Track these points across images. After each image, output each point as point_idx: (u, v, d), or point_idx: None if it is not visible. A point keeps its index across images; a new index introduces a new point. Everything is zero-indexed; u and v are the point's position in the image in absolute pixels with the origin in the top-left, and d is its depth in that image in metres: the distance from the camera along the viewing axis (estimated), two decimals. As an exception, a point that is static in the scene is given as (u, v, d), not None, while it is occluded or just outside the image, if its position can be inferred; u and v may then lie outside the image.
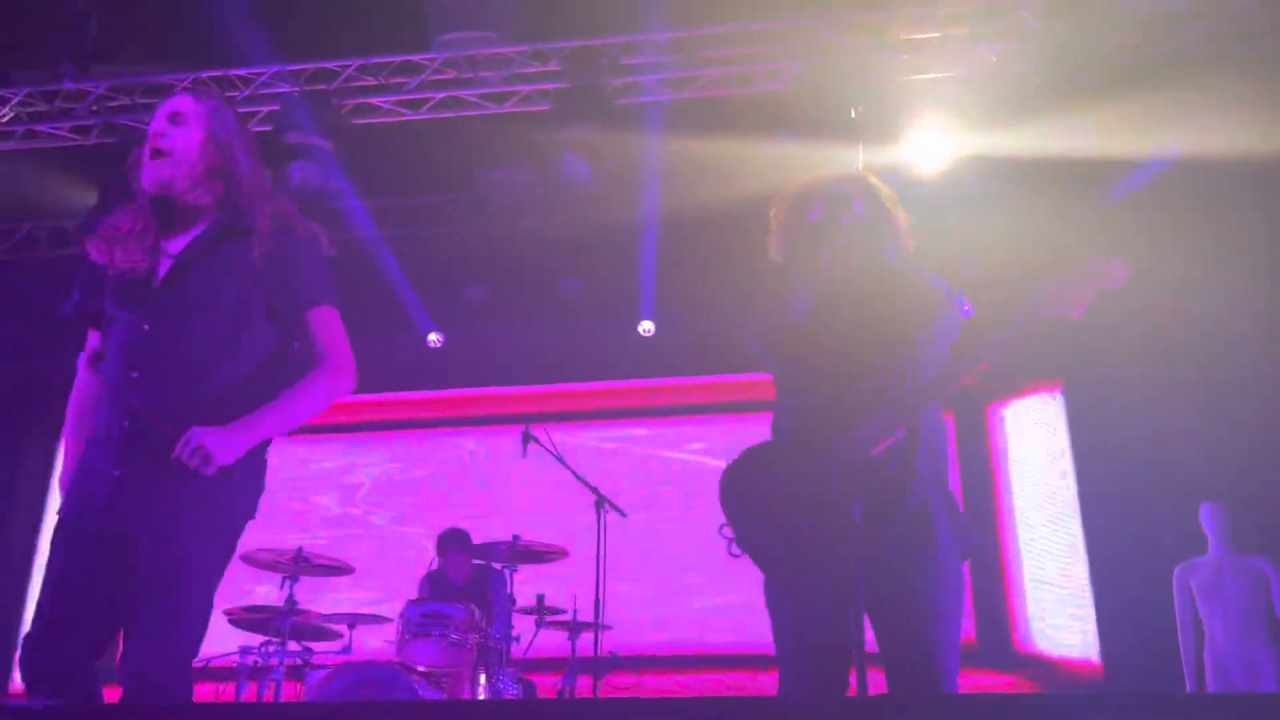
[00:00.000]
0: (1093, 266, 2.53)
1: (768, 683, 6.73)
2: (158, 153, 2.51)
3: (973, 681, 6.64)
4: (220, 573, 2.43)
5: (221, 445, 2.30)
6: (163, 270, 2.49)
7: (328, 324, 2.57)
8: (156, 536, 2.32)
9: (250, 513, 2.51)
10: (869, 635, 2.35)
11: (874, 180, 2.85)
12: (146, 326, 2.43)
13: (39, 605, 2.34)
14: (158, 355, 2.42)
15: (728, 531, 2.57)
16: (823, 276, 2.66)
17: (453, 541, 6.00)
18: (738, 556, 2.57)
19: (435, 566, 5.86)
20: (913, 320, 2.62)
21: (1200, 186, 6.12)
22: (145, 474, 2.35)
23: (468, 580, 5.90)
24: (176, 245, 2.52)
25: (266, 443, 2.49)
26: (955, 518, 2.57)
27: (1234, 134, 5.75)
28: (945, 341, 2.68)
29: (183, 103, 2.58)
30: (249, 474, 2.44)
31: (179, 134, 2.53)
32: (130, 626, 2.31)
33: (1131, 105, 5.73)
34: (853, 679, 2.25)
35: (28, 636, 2.32)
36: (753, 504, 2.56)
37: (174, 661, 2.29)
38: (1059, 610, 6.90)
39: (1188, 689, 5.62)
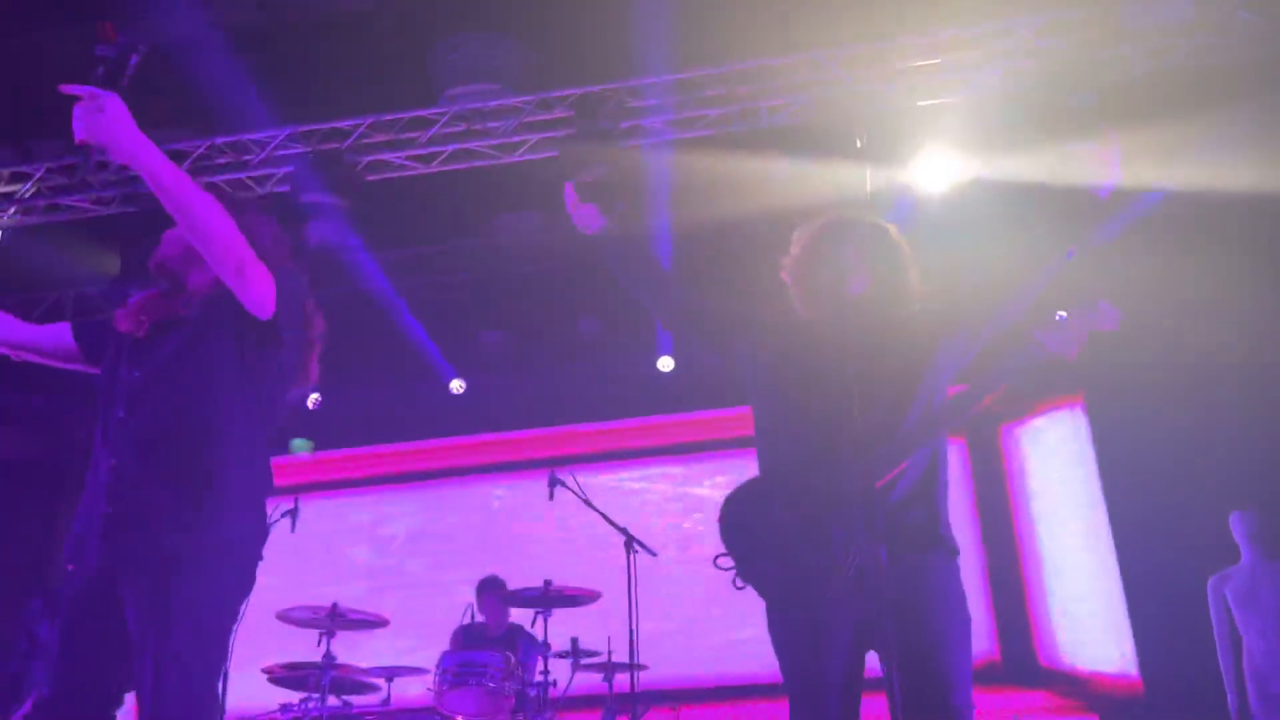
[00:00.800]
0: (1088, 309, 2.71)
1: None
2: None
3: (998, 698, 6.64)
4: (224, 610, 2.42)
5: (112, 122, 2.21)
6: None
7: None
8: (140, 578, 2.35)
9: (254, 556, 2.51)
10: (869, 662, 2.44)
11: (893, 232, 2.91)
12: (137, 373, 2.55)
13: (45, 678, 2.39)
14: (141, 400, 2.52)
15: (725, 562, 2.61)
16: (829, 308, 2.73)
17: (490, 588, 6.08)
18: (741, 588, 2.61)
19: (468, 620, 5.89)
20: (918, 354, 2.68)
21: (1212, 211, 6.17)
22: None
23: (505, 634, 5.95)
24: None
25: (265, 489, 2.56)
26: (954, 546, 2.62)
27: (1241, 163, 5.83)
28: (951, 369, 2.74)
29: None
30: (243, 514, 2.46)
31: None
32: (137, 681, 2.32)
33: (1137, 131, 5.79)
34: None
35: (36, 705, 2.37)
36: (756, 536, 2.60)
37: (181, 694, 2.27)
38: (1092, 626, 6.86)
39: (1230, 703, 5.57)
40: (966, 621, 2.55)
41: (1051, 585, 7.09)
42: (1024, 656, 6.92)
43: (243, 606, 2.50)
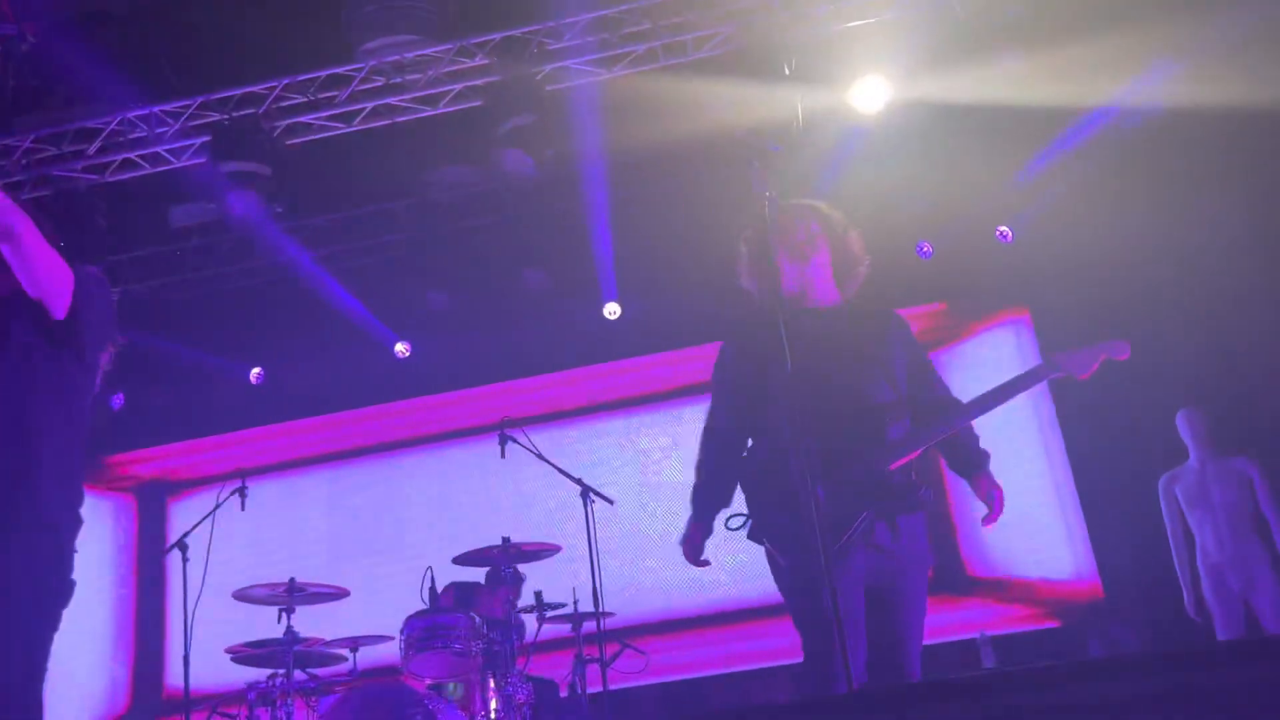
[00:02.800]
0: (1101, 345, 3.04)
1: (763, 630, 6.88)
2: None
3: (952, 610, 6.76)
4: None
5: None
6: None
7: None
8: None
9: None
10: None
11: (826, 210, 3.13)
12: None
13: None
14: None
15: (735, 523, 2.95)
16: (798, 325, 2.84)
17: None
18: (738, 528, 2.96)
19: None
20: (880, 354, 2.98)
21: (1162, 128, 6.17)
22: None
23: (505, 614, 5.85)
24: None
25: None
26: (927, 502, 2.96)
27: (1183, 80, 5.82)
28: (907, 365, 3.05)
29: None
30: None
31: None
32: None
33: (1067, 47, 5.75)
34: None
35: None
36: (764, 494, 2.92)
37: None
38: (1050, 536, 6.96)
39: (1185, 599, 5.67)
40: (924, 611, 2.90)
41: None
42: (954, 569, 6.98)
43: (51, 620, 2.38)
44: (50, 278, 2.41)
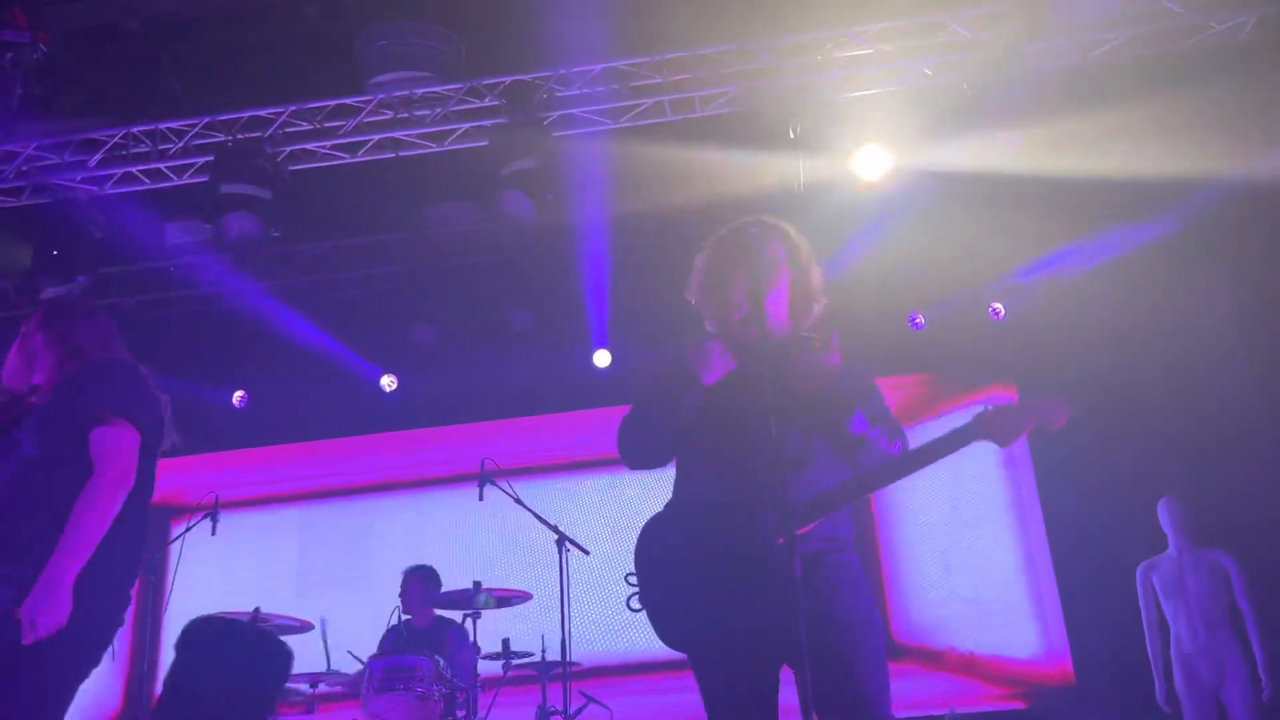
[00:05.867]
0: (1035, 403, 2.57)
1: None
2: None
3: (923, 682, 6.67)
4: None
5: (38, 612, 2.55)
6: None
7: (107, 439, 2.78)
8: None
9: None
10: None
11: (795, 235, 2.87)
12: None
13: None
14: None
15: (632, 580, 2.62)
16: (737, 333, 2.69)
17: (416, 579, 5.98)
18: (637, 611, 2.61)
19: (396, 621, 5.75)
20: (819, 392, 2.62)
21: (1150, 200, 6.26)
22: None
23: (429, 626, 5.81)
24: None
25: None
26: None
27: (1169, 154, 5.93)
28: (854, 404, 2.66)
29: None
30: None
31: None
32: None
33: (1065, 123, 5.85)
34: None
35: None
36: (668, 563, 2.58)
37: None
38: (1016, 614, 6.92)
39: (1157, 689, 5.64)
40: (879, 632, 2.56)
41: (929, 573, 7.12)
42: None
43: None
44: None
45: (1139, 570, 5.80)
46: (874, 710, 2.43)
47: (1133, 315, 6.54)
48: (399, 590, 6.04)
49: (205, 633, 3.49)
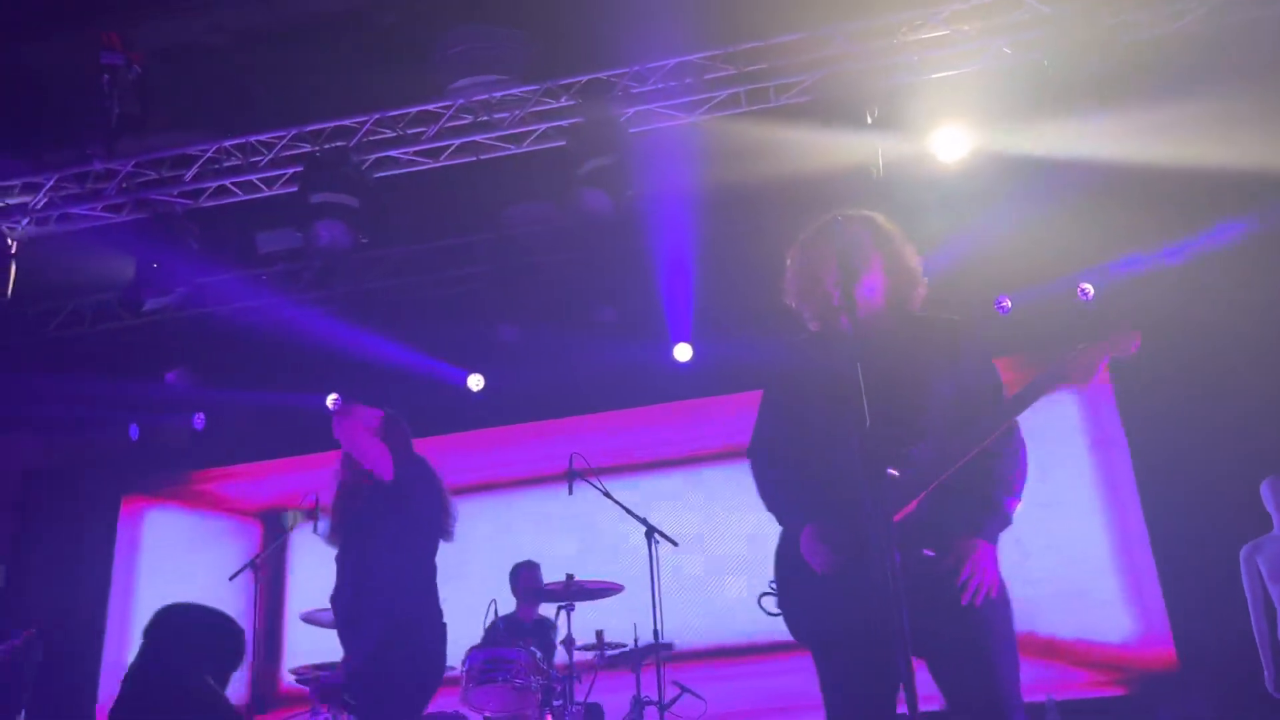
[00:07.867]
0: (1108, 339, 2.69)
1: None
2: None
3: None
4: None
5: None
6: None
7: None
8: None
9: None
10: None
11: (883, 222, 2.85)
12: None
13: None
14: None
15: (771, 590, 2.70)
16: (844, 339, 2.65)
17: (526, 570, 6.20)
18: (774, 615, 2.69)
19: (491, 616, 5.88)
20: (935, 371, 2.66)
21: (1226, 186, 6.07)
22: None
23: (534, 623, 5.96)
24: None
25: None
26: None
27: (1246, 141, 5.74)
28: (975, 377, 2.71)
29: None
30: None
31: None
32: None
33: (1155, 110, 5.69)
34: None
35: None
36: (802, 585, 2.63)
37: None
38: (1114, 598, 6.77)
39: (1266, 675, 5.48)
40: (1013, 634, 2.58)
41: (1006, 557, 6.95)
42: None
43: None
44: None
45: (1243, 552, 5.62)
46: (1006, 703, 2.47)
47: (1230, 298, 6.34)
48: (510, 583, 6.26)
49: (168, 615, 3.78)
